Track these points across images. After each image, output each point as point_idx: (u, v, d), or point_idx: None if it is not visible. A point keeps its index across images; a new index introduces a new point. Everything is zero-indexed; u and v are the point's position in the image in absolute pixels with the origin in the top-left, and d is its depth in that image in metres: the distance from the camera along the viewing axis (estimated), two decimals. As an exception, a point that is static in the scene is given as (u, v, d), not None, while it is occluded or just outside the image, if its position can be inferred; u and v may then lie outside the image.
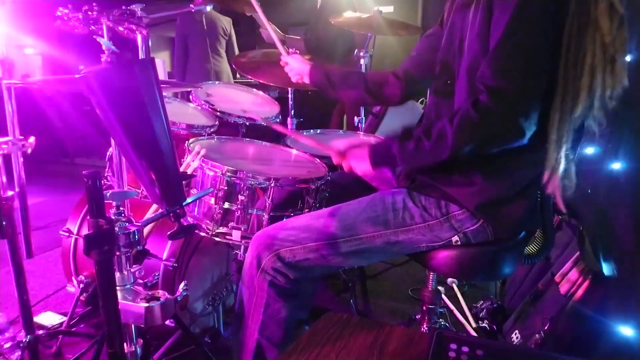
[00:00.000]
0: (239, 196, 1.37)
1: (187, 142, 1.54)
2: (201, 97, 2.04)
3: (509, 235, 1.15)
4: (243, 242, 1.39)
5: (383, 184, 1.37)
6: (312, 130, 2.06)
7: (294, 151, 1.71)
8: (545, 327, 1.47)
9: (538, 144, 0.99)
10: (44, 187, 4.38)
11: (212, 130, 1.85)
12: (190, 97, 2.07)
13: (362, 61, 2.39)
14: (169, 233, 1.11)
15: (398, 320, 2.06)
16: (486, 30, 0.98)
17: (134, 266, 1.11)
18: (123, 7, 1.07)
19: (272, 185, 1.36)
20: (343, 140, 1.30)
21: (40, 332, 1.45)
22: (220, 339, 1.72)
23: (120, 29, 1.08)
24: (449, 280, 2.23)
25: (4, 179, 1.36)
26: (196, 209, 1.46)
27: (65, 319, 1.83)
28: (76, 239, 1.80)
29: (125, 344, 1.11)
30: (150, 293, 1.04)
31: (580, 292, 1.43)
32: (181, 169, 1.39)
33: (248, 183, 1.36)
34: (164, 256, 1.56)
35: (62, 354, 1.72)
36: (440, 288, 1.45)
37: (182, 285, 1.15)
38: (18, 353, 1.38)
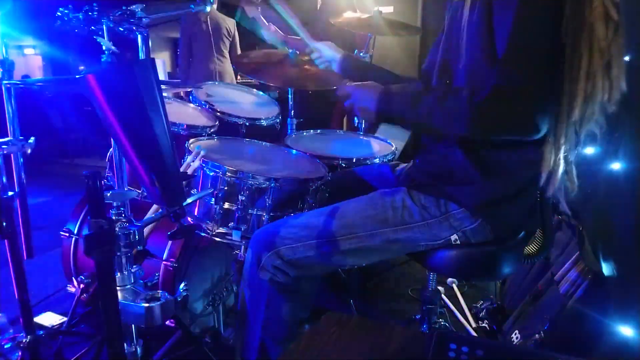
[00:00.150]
0: (239, 196, 1.37)
1: (187, 142, 1.54)
2: (201, 97, 2.04)
3: (508, 235, 1.15)
4: (243, 242, 1.39)
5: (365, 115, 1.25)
6: (312, 131, 2.07)
7: (294, 151, 1.71)
8: (545, 327, 1.47)
9: (538, 144, 0.99)
10: (44, 187, 4.38)
11: (212, 130, 1.85)
12: (191, 97, 2.07)
13: (362, 61, 2.39)
14: (169, 233, 1.12)
15: (398, 320, 2.06)
16: (485, 31, 0.98)
17: (134, 266, 1.11)
18: (123, 8, 1.08)
19: (272, 185, 1.36)
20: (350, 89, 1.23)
21: (41, 332, 1.45)
22: (221, 339, 1.72)
23: (121, 29, 1.08)
24: (449, 280, 2.23)
25: (4, 179, 1.36)
26: (196, 209, 1.46)
27: (65, 319, 1.83)
28: (76, 239, 1.80)
29: (125, 344, 1.11)
30: (150, 293, 1.05)
31: (580, 292, 1.43)
32: (181, 169, 1.39)
33: (248, 183, 1.36)
34: (164, 256, 1.56)
35: (62, 354, 1.72)
36: (440, 288, 1.46)
37: (182, 285, 1.15)
38: (18, 353, 1.38)
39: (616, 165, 1.42)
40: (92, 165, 6.00)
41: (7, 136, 1.36)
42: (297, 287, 1.21)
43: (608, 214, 1.48)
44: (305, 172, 1.50)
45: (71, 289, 1.83)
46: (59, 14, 1.04)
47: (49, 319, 1.92)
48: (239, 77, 4.44)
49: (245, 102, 2.25)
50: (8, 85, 1.33)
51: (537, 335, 1.49)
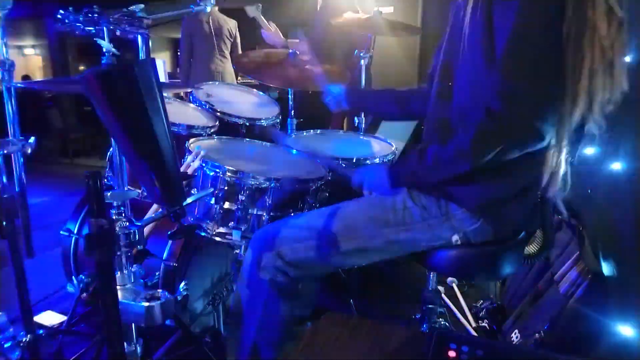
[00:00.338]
0: (239, 196, 1.37)
1: (187, 142, 1.54)
2: (201, 97, 2.04)
3: (509, 235, 1.15)
4: (243, 242, 1.39)
5: None
6: (312, 131, 2.07)
7: (294, 151, 1.71)
8: (545, 327, 1.47)
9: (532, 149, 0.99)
10: (44, 187, 4.38)
11: (212, 130, 1.85)
12: (191, 97, 2.07)
13: (362, 61, 2.39)
14: (169, 233, 1.12)
15: (398, 320, 2.06)
16: (487, 34, 0.97)
17: (134, 266, 1.11)
18: (123, 9, 1.08)
19: (272, 185, 1.36)
20: (359, 171, 1.31)
21: (41, 331, 1.45)
22: (221, 338, 1.72)
23: (120, 31, 1.08)
24: (449, 280, 2.23)
25: (4, 179, 1.36)
26: (196, 209, 1.46)
27: (65, 318, 1.83)
28: (76, 239, 1.80)
29: (125, 344, 1.11)
30: (150, 293, 1.05)
31: (580, 292, 1.43)
32: (181, 169, 1.39)
33: (248, 183, 1.36)
34: (164, 256, 1.56)
35: (62, 354, 1.72)
36: (440, 288, 1.46)
37: (182, 285, 1.15)
38: (18, 353, 1.38)
39: (616, 165, 1.41)
40: (92, 165, 6.00)
41: (7, 136, 1.36)
42: (295, 289, 1.21)
43: (608, 214, 1.48)
44: (305, 172, 1.50)
45: (71, 289, 1.82)
46: (59, 16, 1.04)
47: (49, 318, 1.92)
48: (239, 77, 4.44)
49: (245, 102, 2.25)
50: (8, 86, 1.33)
51: (537, 335, 1.49)
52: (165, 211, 0.99)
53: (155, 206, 1.58)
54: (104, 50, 1.05)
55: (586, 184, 1.51)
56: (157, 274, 1.55)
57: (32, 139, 1.39)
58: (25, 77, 7.66)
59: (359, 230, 1.16)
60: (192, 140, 1.57)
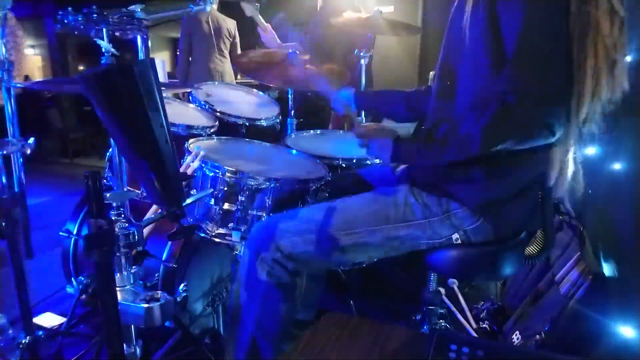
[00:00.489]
0: (239, 197, 1.37)
1: (187, 142, 1.54)
2: (201, 97, 2.04)
3: (509, 235, 1.15)
4: (243, 242, 1.39)
5: None
6: (312, 131, 2.06)
7: (294, 151, 1.71)
8: (546, 328, 1.47)
9: (540, 144, 0.99)
10: (43, 187, 4.38)
11: (212, 130, 1.85)
12: (190, 97, 2.07)
13: (362, 61, 2.39)
14: (169, 234, 1.12)
15: (398, 320, 2.06)
16: (491, 33, 0.97)
17: (133, 267, 1.11)
18: (123, 9, 1.07)
19: (272, 185, 1.35)
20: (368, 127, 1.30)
21: (40, 333, 1.45)
22: (220, 339, 1.71)
23: (120, 31, 1.08)
24: (450, 280, 2.23)
25: (4, 179, 1.36)
26: (196, 209, 1.46)
27: (64, 319, 1.83)
28: (76, 240, 1.80)
29: (124, 345, 1.11)
30: (149, 294, 1.05)
31: (580, 292, 1.43)
32: (181, 170, 1.39)
33: (248, 183, 1.36)
34: (164, 257, 1.56)
35: (62, 355, 1.72)
36: (441, 289, 1.45)
37: (181, 286, 1.15)
38: (17, 354, 1.38)
39: (617, 166, 1.41)
40: (91, 166, 6.00)
41: (7, 136, 1.35)
42: (294, 283, 1.20)
43: (609, 214, 1.48)
44: (305, 172, 1.50)
45: (70, 290, 1.82)
46: (58, 16, 1.04)
47: (48, 319, 1.92)
48: (238, 77, 4.44)
49: (245, 102, 2.25)
50: (8, 86, 1.33)
51: (537, 335, 1.48)
52: (165, 212, 0.99)
53: (154, 207, 1.58)
54: (104, 50, 1.05)
55: (587, 184, 1.51)
56: (156, 275, 1.55)
57: (31, 139, 1.39)
58: (25, 77, 7.66)
59: (359, 225, 1.15)
60: (191, 140, 1.57)
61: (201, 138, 1.69)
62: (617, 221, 1.43)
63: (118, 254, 1.06)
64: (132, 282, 1.10)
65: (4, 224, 1.31)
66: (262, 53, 2.23)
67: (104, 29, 1.04)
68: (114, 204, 1.07)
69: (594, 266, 1.44)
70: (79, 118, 7.59)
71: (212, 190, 1.38)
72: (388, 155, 1.17)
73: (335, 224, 1.16)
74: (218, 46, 3.97)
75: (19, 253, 1.39)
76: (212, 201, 1.40)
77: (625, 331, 1.27)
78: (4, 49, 1.34)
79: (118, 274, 1.08)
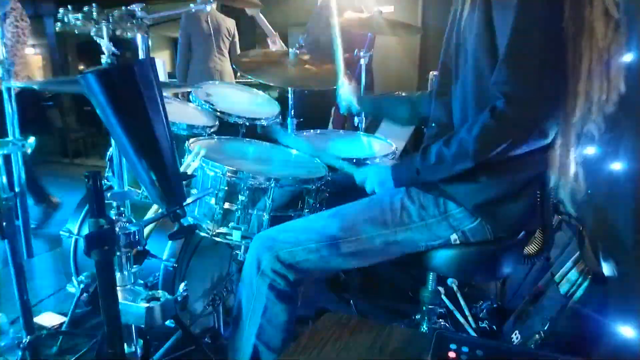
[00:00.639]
0: (239, 196, 1.37)
1: (187, 142, 1.54)
2: (201, 97, 2.04)
3: (508, 235, 1.15)
4: (243, 242, 1.39)
5: None
6: (312, 131, 2.06)
7: (294, 151, 1.71)
8: (545, 328, 1.47)
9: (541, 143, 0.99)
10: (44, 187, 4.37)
11: (212, 130, 1.85)
12: (190, 97, 2.07)
13: (362, 61, 2.39)
14: (169, 233, 1.12)
15: (398, 320, 2.06)
16: (487, 35, 0.97)
17: (134, 266, 1.11)
18: (123, 8, 1.07)
19: (272, 185, 1.36)
20: (362, 170, 1.32)
21: (41, 332, 1.45)
22: (221, 339, 1.72)
23: (120, 30, 1.08)
24: (449, 280, 2.23)
25: (4, 179, 1.36)
26: (196, 209, 1.46)
27: (65, 319, 1.83)
28: (76, 239, 1.80)
29: (125, 345, 1.11)
30: (150, 293, 1.05)
31: (580, 292, 1.43)
32: (181, 169, 1.39)
33: (248, 183, 1.36)
34: (164, 256, 1.56)
35: (62, 355, 1.72)
36: (440, 288, 1.46)
37: (182, 285, 1.15)
38: (18, 354, 1.38)
39: (616, 166, 1.41)
40: (92, 165, 6.00)
41: (7, 136, 1.36)
42: (296, 294, 1.21)
43: (608, 214, 1.48)
44: (305, 172, 1.50)
45: (71, 289, 1.82)
46: (58, 15, 1.04)
47: (49, 319, 1.92)
48: (238, 75, 4.44)
49: (245, 101, 2.25)
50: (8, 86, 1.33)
51: (537, 335, 1.48)
52: (165, 211, 0.99)
53: (155, 206, 1.58)
54: (104, 49, 1.05)
55: (586, 184, 1.51)
56: (157, 274, 1.55)
57: (32, 139, 1.39)
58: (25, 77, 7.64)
59: (358, 232, 1.15)
60: (192, 140, 1.57)
61: (201, 138, 1.69)
62: (616, 221, 1.43)
63: (118, 254, 1.06)
64: (132, 281, 1.10)
65: (4, 223, 1.31)
66: (263, 52, 2.23)
67: (104, 28, 1.04)
68: (114, 204, 1.07)
69: (593, 266, 1.44)
70: (79, 118, 7.58)
71: (212, 189, 1.39)
72: (391, 185, 1.19)
73: (335, 232, 1.16)
74: (217, 45, 3.97)
75: (19, 252, 1.39)
76: (213, 201, 1.40)
77: (625, 331, 1.27)
78: (3, 49, 1.34)
79: (118, 274, 1.08)
